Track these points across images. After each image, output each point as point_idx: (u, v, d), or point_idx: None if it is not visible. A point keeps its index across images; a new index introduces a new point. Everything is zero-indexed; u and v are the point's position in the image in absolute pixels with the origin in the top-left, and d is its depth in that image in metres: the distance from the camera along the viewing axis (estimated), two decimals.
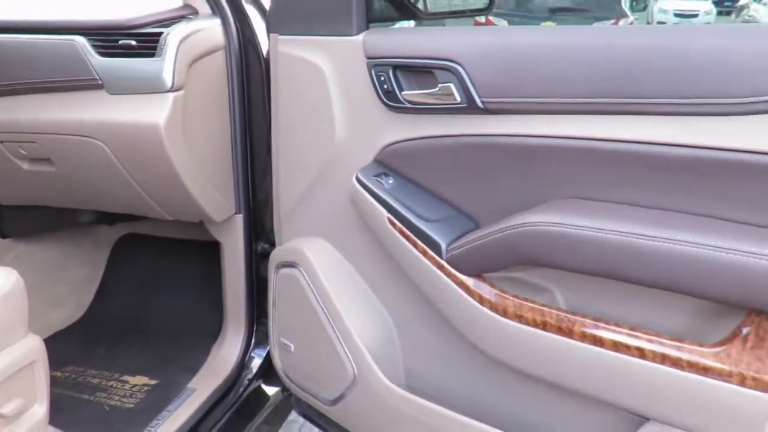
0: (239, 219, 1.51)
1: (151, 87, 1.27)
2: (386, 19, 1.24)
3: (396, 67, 1.07)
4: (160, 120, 1.26)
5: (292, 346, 1.37)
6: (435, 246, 1.05)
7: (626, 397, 0.88)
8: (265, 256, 1.47)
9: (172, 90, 1.27)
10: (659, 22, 13.49)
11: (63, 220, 1.79)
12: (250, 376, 1.59)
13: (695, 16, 13.68)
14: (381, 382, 1.19)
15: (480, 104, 0.97)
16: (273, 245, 1.42)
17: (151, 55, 1.28)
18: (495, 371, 1.05)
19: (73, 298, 1.86)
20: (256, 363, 1.61)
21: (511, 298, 0.98)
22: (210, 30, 1.35)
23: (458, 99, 0.99)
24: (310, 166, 1.24)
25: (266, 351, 1.59)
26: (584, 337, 0.90)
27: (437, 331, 1.13)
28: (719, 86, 0.78)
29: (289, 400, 1.62)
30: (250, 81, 1.41)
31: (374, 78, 1.09)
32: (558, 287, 0.98)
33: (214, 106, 1.39)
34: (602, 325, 0.89)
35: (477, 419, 1.06)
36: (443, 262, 1.04)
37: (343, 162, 1.18)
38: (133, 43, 1.30)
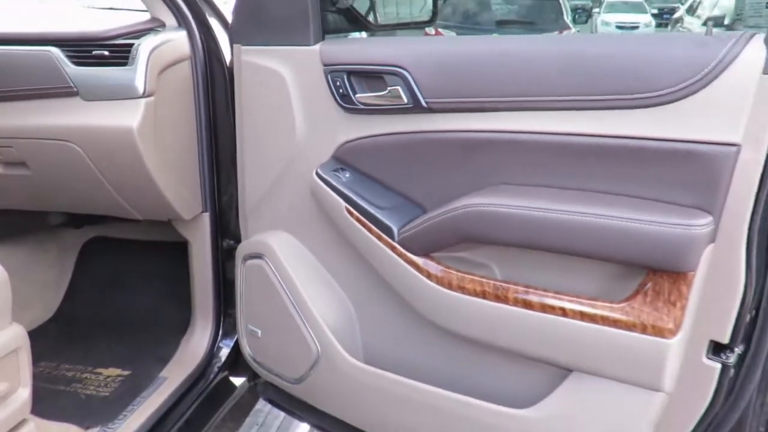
0: (206, 217, 1.62)
1: (125, 93, 1.37)
2: (340, 31, 1.37)
3: (350, 73, 1.20)
4: (134, 124, 1.36)
5: (260, 331, 1.48)
6: (388, 230, 1.18)
7: (553, 351, 1.03)
8: (231, 251, 1.58)
9: (143, 96, 1.38)
10: None
11: (32, 224, 1.86)
12: (219, 365, 1.68)
13: (636, 27, 14.32)
14: (342, 358, 1.31)
15: (424, 104, 1.11)
16: (238, 241, 1.53)
17: (124, 64, 1.38)
18: (442, 339, 1.19)
19: (43, 300, 1.92)
20: (224, 353, 1.70)
21: (455, 272, 1.12)
22: (177, 41, 1.46)
23: (405, 100, 1.13)
24: (273, 165, 1.36)
25: (233, 342, 1.69)
26: (517, 302, 1.05)
27: (391, 307, 1.26)
28: (617, 85, 0.94)
29: (255, 390, 1.72)
30: (215, 87, 1.52)
31: (330, 83, 1.22)
32: (494, 262, 1.13)
33: (182, 111, 1.49)
34: (531, 291, 1.04)
35: (429, 384, 1.20)
36: (396, 244, 1.17)
37: (303, 159, 1.30)
38: (106, 53, 1.40)
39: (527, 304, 1.04)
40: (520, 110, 1.03)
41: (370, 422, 1.34)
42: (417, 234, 1.15)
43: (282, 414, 1.93)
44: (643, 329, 0.94)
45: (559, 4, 7.25)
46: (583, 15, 18.31)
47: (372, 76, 1.18)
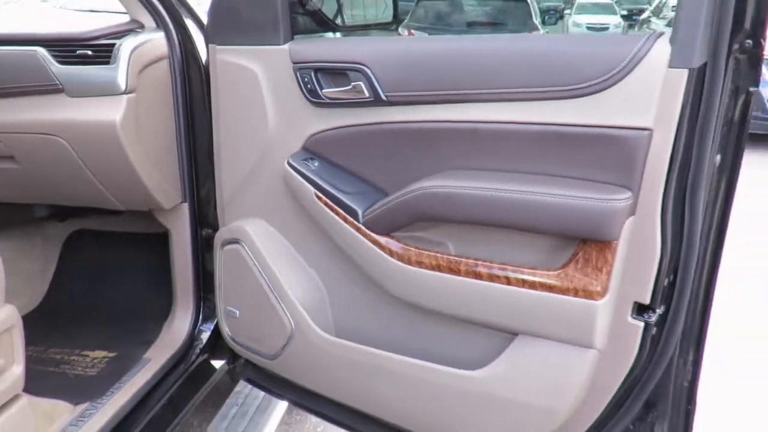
0: (185, 207, 1.72)
1: (108, 90, 1.47)
2: (309, 31, 1.49)
3: (317, 70, 1.31)
4: (117, 118, 1.46)
5: (238, 312, 1.58)
6: (353, 213, 1.30)
7: (500, 317, 1.16)
8: (209, 240, 1.68)
9: (125, 92, 1.48)
10: None
11: (18, 216, 1.95)
12: (200, 348, 1.78)
13: (606, 28, 14.64)
14: (314, 333, 1.42)
15: (384, 98, 1.23)
16: (215, 230, 1.63)
17: (106, 63, 1.48)
18: (403, 311, 1.31)
19: (28, 290, 2.00)
20: (204, 336, 1.80)
21: (414, 249, 1.24)
22: (156, 41, 1.56)
23: (367, 94, 1.25)
24: (248, 156, 1.47)
25: (213, 326, 1.79)
26: (468, 274, 1.17)
27: (358, 284, 1.37)
28: (549, 79, 1.06)
29: (235, 372, 1.82)
30: (191, 84, 1.62)
31: (299, 79, 1.33)
32: (449, 240, 1.25)
33: (162, 107, 1.59)
34: (480, 263, 1.16)
35: (392, 352, 1.32)
36: (360, 225, 1.29)
37: (276, 150, 1.41)
38: (90, 53, 1.49)
39: (477, 275, 1.16)
40: (468, 102, 1.15)
41: (341, 391, 1.46)
42: (379, 215, 1.27)
43: (261, 394, 2.03)
44: (575, 293, 1.06)
45: (528, 6, 7.46)
46: (553, 16, 18.63)
47: (337, 73, 1.29)
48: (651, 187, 1.02)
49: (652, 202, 1.03)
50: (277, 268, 1.46)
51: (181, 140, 1.64)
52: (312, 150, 1.37)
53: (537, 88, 1.08)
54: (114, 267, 2.12)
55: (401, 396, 1.33)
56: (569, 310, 1.08)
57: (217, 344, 1.78)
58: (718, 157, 1.04)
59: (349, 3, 1.71)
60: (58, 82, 1.49)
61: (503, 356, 1.18)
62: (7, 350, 1.29)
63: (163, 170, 1.62)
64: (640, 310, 1.10)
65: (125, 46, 1.48)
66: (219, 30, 1.45)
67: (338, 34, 1.64)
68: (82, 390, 1.56)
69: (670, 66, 0.97)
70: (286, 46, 1.35)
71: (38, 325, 1.77)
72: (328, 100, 1.30)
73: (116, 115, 1.47)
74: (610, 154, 1.02)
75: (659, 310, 1.09)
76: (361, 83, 1.24)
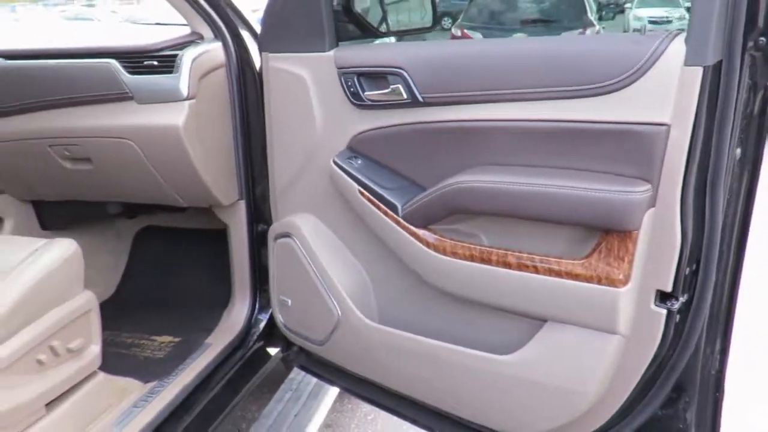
0: (242, 204, 1.85)
1: (171, 96, 1.62)
2: (353, 38, 1.59)
3: (359, 74, 1.41)
4: (180, 122, 1.61)
5: (290, 301, 1.70)
6: (393, 207, 1.39)
7: (529, 304, 1.23)
8: (264, 234, 1.80)
9: (187, 99, 1.62)
10: (635, 30, 13.95)
11: (93, 213, 2.13)
12: (256, 335, 1.91)
13: (669, 22, 14.17)
14: (359, 320, 1.52)
15: (420, 99, 1.32)
16: (269, 225, 1.76)
17: (170, 72, 1.63)
18: (440, 298, 1.39)
19: (102, 281, 2.19)
20: (260, 325, 1.93)
21: (449, 241, 1.32)
22: (214, 51, 1.70)
23: (405, 96, 1.33)
24: (297, 155, 1.58)
25: (268, 315, 1.92)
26: (498, 263, 1.24)
27: (398, 274, 1.46)
28: (572, 78, 1.12)
29: (288, 359, 1.94)
30: (247, 90, 1.75)
31: (343, 83, 1.43)
32: (481, 232, 1.32)
33: (220, 111, 1.73)
34: (510, 253, 1.24)
35: (430, 337, 1.40)
36: (400, 219, 1.38)
37: (322, 150, 1.52)
38: (155, 63, 1.64)
39: (507, 264, 1.23)
40: (497, 101, 1.22)
41: (382, 374, 1.55)
42: (417, 209, 1.35)
43: (313, 380, 2.15)
44: (599, 281, 1.12)
45: (583, 1, 7.36)
46: (612, 11, 18.13)
47: (377, 77, 1.39)
48: (670, 180, 1.07)
49: (672, 194, 1.07)
50: (325, 259, 1.57)
51: (237, 142, 1.77)
52: (355, 149, 1.47)
53: (561, 87, 1.14)
54: (179, 260, 2.28)
55: (437, 379, 1.42)
56: (594, 297, 1.14)
57: (272, 333, 1.90)
58: (739, 150, 1.08)
59: (394, 9, 1.80)
60: (128, 91, 1.64)
61: (533, 341, 1.25)
62: (86, 331, 1.45)
63: (221, 169, 1.76)
64: (663, 297, 1.14)
65: (186, 56, 1.62)
66: (271, 39, 1.57)
67: (381, 40, 1.73)
68: (151, 370, 1.71)
69: (686, 64, 1.01)
70: (331, 53, 1.46)
71: (112, 313, 1.94)
72: (370, 103, 1.40)
73: (179, 119, 1.61)
74: (630, 148, 1.07)
75: (682, 299, 1.14)
76: (399, 86, 1.33)
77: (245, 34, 1.73)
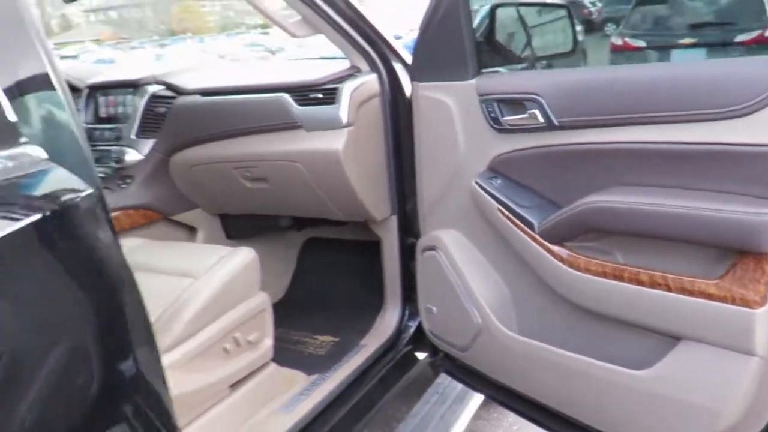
0: (394, 219, 2.03)
1: (333, 124, 1.84)
2: (496, 65, 1.70)
3: (499, 101, 1.52)
4: (339, 146, 1.82)
5: (435, 309, 1.84)
6: (530, 225, 1.47)
7: (662, 321, 1.25)
8: (413, 247, 1.97)
9: (346, 126, 1.83)
10: None
11: (268, 226, 2.44)
12: (406, 339, 2.08)
13: None
14: (498, 329, 1.62)
15: (556, 123, 1.40)
16: (418, 239, 1.91)
17: (332, 103, 1.85)
18: (575, 312, 1.45)
19: (275, 285, 2.49)
20: (410, 330, 2.09)
21: (583, 257, 1.38)
22: (370, 82, 1.89)
23: (541, 120, 1.42)
24: (443, 175, 1.72)
25: (417, 322, 2.08)
26: (631, 281, 1.29)
27: (536, 287, 1.54)
28: (706, 102, 1.15)
29: (435, 365, 2.08)
30: (399, 116, 1.92)
31: (484, 109, 1.55)
32: (615, 250, 1.37)
33: (375, 136, 1.92)
34: (642, 271, 1.27)
35: (567, 350, 1.47)
36: (536, 236, 1.46)
37: (465, 171, 1.64)
38: (320, 95, 1.88)
39: (639, 282, 1.27)
40: (632, 125, 1.27)
41: (522, 383, 1.64)
42: (552, 227, 1.43)
43: (459, 386, 2.27)
44: (734, 301, 1.13)
45: (761, 1, 6.69)
46: None
47: (515, 103, 1.49)
48: None
49: None
50: (467, 271, 1.69)
51: (390, 163, 1.95)
52: (495, 170, 1.58)
53: (696, 110, 1.17)
54: (339, 268, 2.53)
55: (574, 391, 1.48)
56: (729, 318, 1.14)
57: (421, 339, 2.05)
58: None
59: (539, 31, 1.88)
60: (297, 121, 1.89)
61: (668, 358, 1.27)
62: (261, 326, 1.70)
63: (375, 188, 1.95)
64: None
65: (346, 88, 1.84)
66: (420, 70, 1.73)
67: (522, 66, 1.82)
68: (314, 365, 1.94)
69: None
70: (473, 81, 1.58)
71: (282, 313, 2.20)
72: (509, 127, 1.50)
73: (339, 144, 1.82)
74: (764, 170, 1.07)
75: None
76: (536, 111, 1.42)
77: (398, 66, 1.91)
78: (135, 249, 1.83)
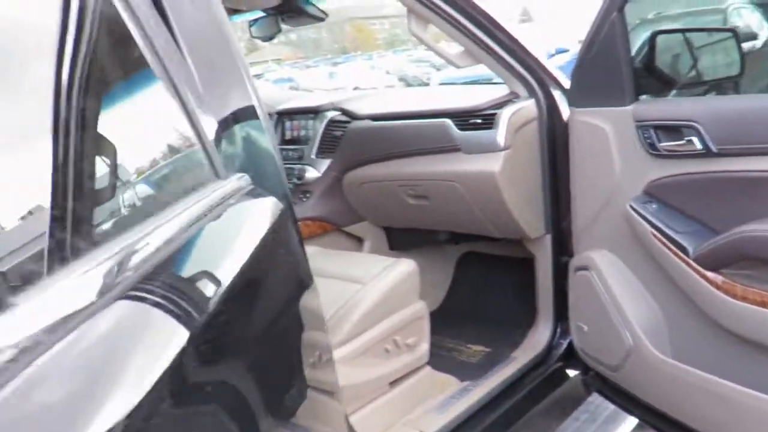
0: (548, 238, 2.10)
1: (490, 148, 1.96)
2: (653, 92, 1.72)
3: (655, 127, 1.55)
4: (496, 169, 1.94)
5: (586, 327, 1.89)
6: (684, 250, 1.48)
7: None
8: (566, 266, 2.02)
9: (503, 149, 1.94)
10: None
11: (427, 239, 2.62)
12: (557, 355, 2.13)
13: None
14: (650, 352, 1.64)
15: (714, 150, 1.40)
16: (571, 257, 1.97)
17: (490, 127, 1.98)
18: (731, 340, 1.43)
19: (432, 295, 2.66)
20: (561, 347, 2.14)
21: (739, 285, 1.37)
22: (528, 108, 1.99)
23: (699, 147, 1.43)
24: (597, 198, 1.77)
25: (568, 340, 2.12)
26: None
27: (690, 312, 1.54)
28: None
29: (587, 383, 2.11)
30: (555, 140, 1.99)
31: (641, 135, 1.58)
32: None
33: (531, 158, 2.01)
34: None
35: (720, 376, 1.45)
36: (690, 261, 1.47)
37: (620, 194, 1.68)
38: (479, 120, 2.01)
39: None
40: None
41: (675, 409, 1.63)
42: (708, 253, 1.43)
43: (610, 406, 2.27)
44: None
45: None
46: None
47: (672, 129, 1.51)
48: None
49: None
50: (619, 292, 1.72)
51: (545, 184, 2.03)
52: (650, 194, 1.60)
53: None
54: (493, 282, 2.64)
55: (728, 420, 1.46)
56: None
57: (572, 356, 2.09)
58: None
59: (702, 59, 1.86)
60: (458, 144, 2.04)
61: None
62: (419, 332, 1.87)
63: (530, 208, 2.04)
64: None
65: (505, 114, 1.95)
66: (578, 96, 1.80)
67: (681, 92, 1.81)
68: (466, 372, 2.07)
69: None
70: (630, 107, 1.62)
71: (437, 322, 2.34)
72: (665, 153, 1.53)
73: (496, 166, 1.94)
74: None
75: None
76: (693, 137, 1.44)
77: (555, 92, 1.99)
78: (312, 256, 2.08)
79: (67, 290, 0.64)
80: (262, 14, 2.25)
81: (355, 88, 7.79)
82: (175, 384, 0.70)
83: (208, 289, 0.82)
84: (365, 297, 1.74)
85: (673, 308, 1.61)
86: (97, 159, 0.81)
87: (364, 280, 1.79)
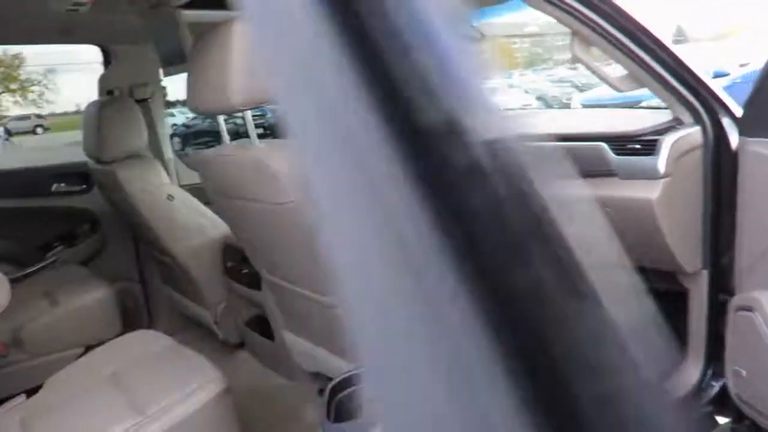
0: (704, 273, 1.98)
1: (649, 175, 1.89)
2: None
3: None
4: (654, 197, 1.87)
5: (744, 372, 1.76)
6: None
7: None
8: (723, 304, 1.90)
9: (662, 177, 1.87)
10: None
11: None
12: (706, 399, 2.00)
13: None
14: None
15: None
16: (730, 295, 1.84)
17: (650, 154, 1.91)
18: None
19: None
20: (711, 390, 2.01)
21: None
22: (692, 135, 1.90)
23: None
24: (767, 235, 1.66)
25: (721, 383, 1.98)
26: None
27: None
28: None
29: (738, 430, 1.96)
30: (721, 169, 1.89)
31: None
32: None
33: (692, 188, 1.92)
34: None
35: None
36: None
37: None
38: (638, 146, 1.95)
39: None
40: None
41: None
42: None
43: None
44: None
45: None
46: None
47: None
48: None
49: None
50: None
51: (707, 217, 1.92)
52: None
53: None
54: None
55: None
56: None
57: (724, 402, 1.95)
58: None
59: None
60: (613, 168, 1.99)
61: None
62: None
63: (687, 240, 1.94)
64: None
65: (667, 141, 1.88)
66: (751, 125, 1.70)
67: None
68: None
69: None
70: None
71: None
72: None
73: (653, 194, 1.87)
74: None
75: None
76: None
77: (724, 119, 1.89)
78: None
79: None
80: None
81: None
82: None
83: None
84: None
85: None
86: None
87: None
